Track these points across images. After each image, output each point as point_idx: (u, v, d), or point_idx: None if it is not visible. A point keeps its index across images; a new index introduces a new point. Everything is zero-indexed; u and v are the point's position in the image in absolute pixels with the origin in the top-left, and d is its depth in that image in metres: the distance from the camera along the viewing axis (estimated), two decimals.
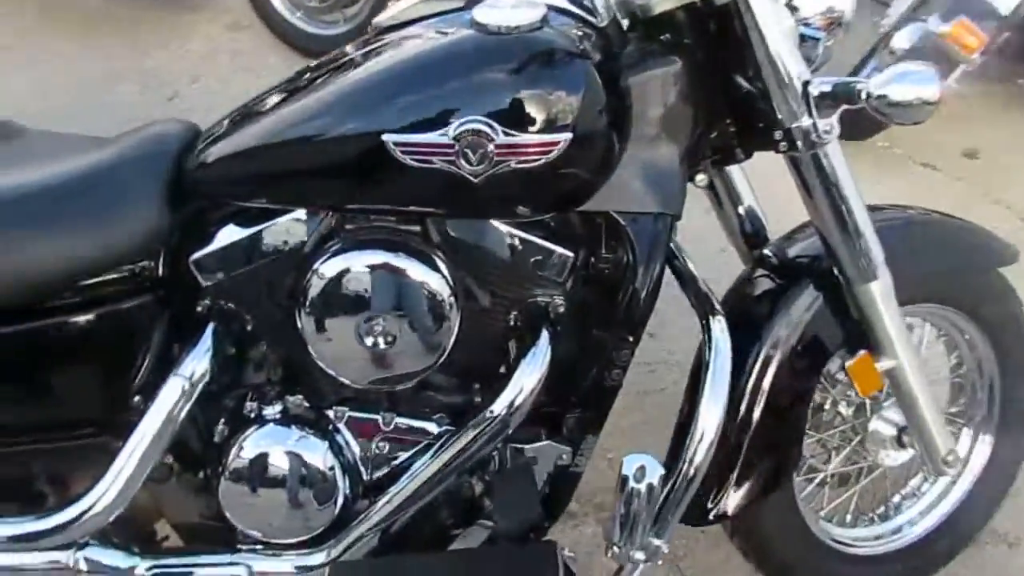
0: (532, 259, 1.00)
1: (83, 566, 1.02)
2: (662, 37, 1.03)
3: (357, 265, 0.96)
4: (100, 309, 1.00)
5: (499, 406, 0.98)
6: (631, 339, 1.04)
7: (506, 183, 0.91)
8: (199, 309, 1.01)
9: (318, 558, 1.05)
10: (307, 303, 0.96)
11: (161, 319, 1.02)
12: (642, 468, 0.97)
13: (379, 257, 0.96)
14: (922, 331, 1.33)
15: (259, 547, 1.07)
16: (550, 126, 0.89)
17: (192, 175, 0.97)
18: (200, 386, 0.98)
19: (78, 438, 1.05)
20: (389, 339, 0.97)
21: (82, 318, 0.99)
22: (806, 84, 0.97)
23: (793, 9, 1.05)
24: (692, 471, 1.01)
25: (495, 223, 0.98)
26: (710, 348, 1.04)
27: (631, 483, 0.97)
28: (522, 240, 0.99)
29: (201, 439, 1.06)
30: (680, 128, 1.01)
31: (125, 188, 0.98)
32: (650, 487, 0.96)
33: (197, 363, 0.98)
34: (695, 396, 1.04)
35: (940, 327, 1.34)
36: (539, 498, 1.08)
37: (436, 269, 0.97)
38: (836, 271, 1.10)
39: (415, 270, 0.96)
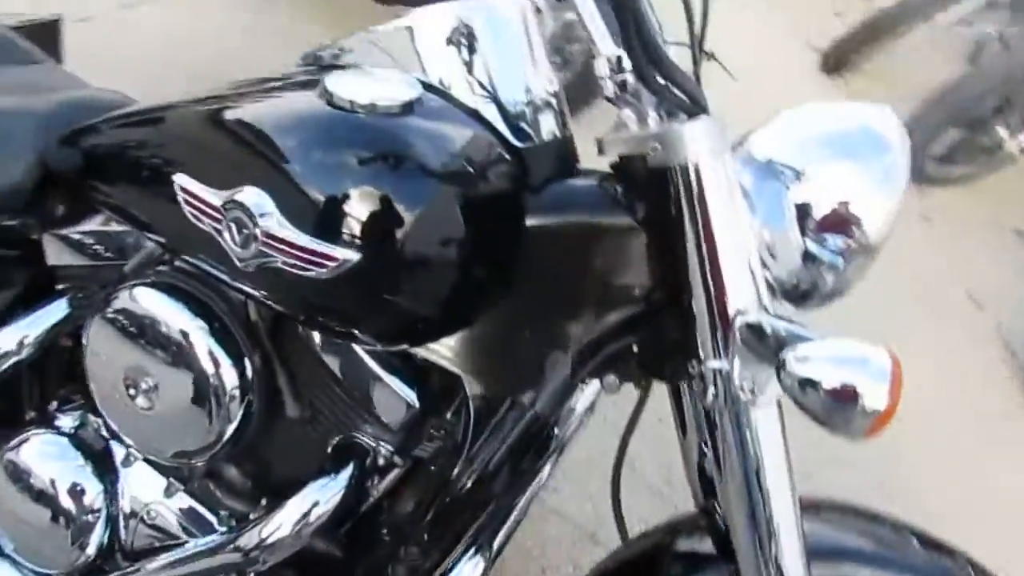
0: (366, 389, 0.83)
1: None
2: (617, 191, 0.75)
3: (147, 305, 0.83)
4: None
5: (263, 531, 0.82)
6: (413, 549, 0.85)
7: (274, 283, 0.74)
8: (48, 282, 0.94)
9: None
10: (92, 326, 0.87)
11: (18, 277, 0.97)
12: None
13: (173, 308, 0.83)
14: None
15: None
16: (336, 236, 0.68)
17: (61, 153, 0.89)
18: (22, 354, 0.91)
19: None
20: (154, 401, 0.84)
21: None
22: (736, 314, 0.68)
23: (804, 214, 0.75)
24: None
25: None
26: None
27: None
28: (361, 361, 0.82)
29: None
30: (575, 309, 0.78)
31: (8, 138, 0.90)
32: None
33: (26, 332, 0.91)
34: None
35: None
36: None
37: (235, 353, 0.83)
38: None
39: (205, 340, 0.82)
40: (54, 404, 0.98)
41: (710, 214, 0.69)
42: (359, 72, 0.74)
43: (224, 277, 0.77)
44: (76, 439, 0.95)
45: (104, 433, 0.95)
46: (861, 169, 0.76)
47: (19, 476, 0.93)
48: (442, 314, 0.75)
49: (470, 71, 0.76)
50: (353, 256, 0.69)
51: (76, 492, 0.92)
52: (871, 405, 0.60)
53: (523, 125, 0.76)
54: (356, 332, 0.76)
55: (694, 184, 0.69)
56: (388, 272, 0.70)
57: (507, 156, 0.75)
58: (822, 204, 0.75)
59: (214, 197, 0.73)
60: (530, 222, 0.74)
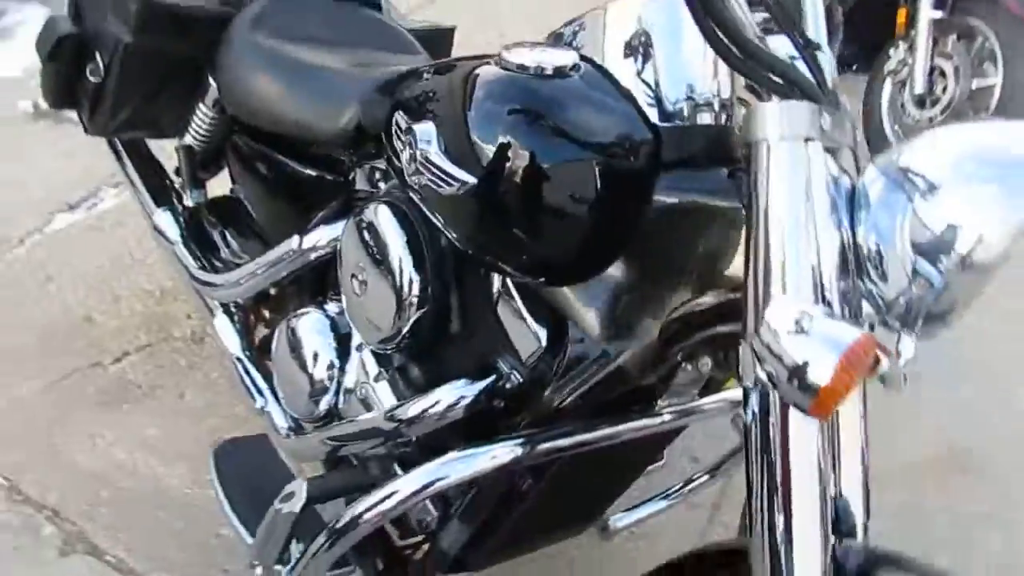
0: (512, 324, 0.95)
1: None
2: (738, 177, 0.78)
3: (375, 220, 1.01)
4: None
5: (411, 411, 1.00)
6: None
7: (428, 199, 0.90)
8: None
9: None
10: (346, 229, 1.08)
11: (335, 196, 1.24)
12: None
13: (390, 226, 0.99)
14: None
15: None
16: (474, 168, 0.80)
17: (371, 104, 1.11)
18: (326, 249, 1.16)
19: None
20: (364, 295, 1.04)
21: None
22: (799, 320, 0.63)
23: (922, 230, 0.68)
24: None
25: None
26: None
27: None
28: (511, 301, 0.95)
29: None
30: (676, 282, 0.87)
31: (340, 92, 1.19)
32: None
33: (331, 235, 1.14)
34: None
35: None
36: None
37: (422, 270, 0.98)
38: None
39: (402, 255, 0.98)
40: (332, 291, 1.20)
41: (771, 199, 0.69)
42: (537, 45, 0.84)
43: (407, 190, 0.95)
44: (333, 321, 1.17)
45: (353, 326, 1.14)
46: (1001, 190, 0.68)
47: (293, 338, 1.18)
48: (561, 261, 0.85)
49: (639, 57, 0.84)
50: (483, 185, 0.81)
51: (322, 361, 1.15)
52: (813, 379, 0.61)
53: (674, 108, 0.82)
54: (488, 257, 0.89)
55: (763, 164, 0.69)
56: (513, 208, 0.82)
57: (647, 133, 0.80)
58: (943, 222, 0.67)
59: (407, 127, 0.90)
60: (658, 197, 0.81)
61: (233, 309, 1.49)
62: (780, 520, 0.71)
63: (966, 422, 1.90)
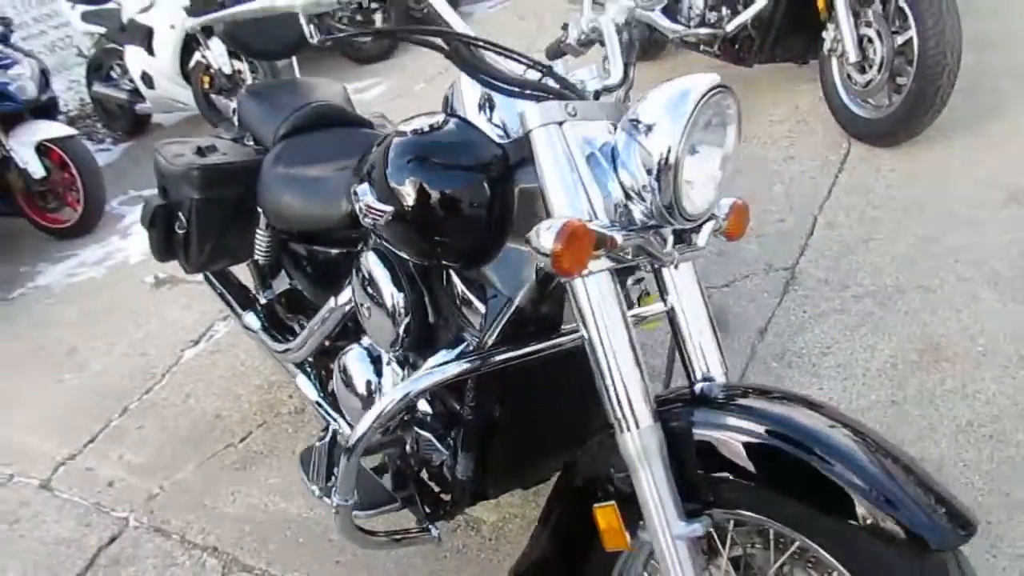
0: (468, 305, 1.36)
1: None
2: None
3: (365, 263, 1.48)
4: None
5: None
6: None
7: (379, 231, 1.30)
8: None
9: None
10: (353, 277, 1.56)
11: (345, 263, 1.67)
12: None
13: (375, 264, 1.44)
14: None
15: None
16: (389, 201, 1.23)
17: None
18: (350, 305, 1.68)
19: None
20: (371, 318, 1.48)
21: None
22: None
23: (648, 158, 1.05)
24: None
25: None
26: None
27: None
28: (464, 293, 1.37)
29: None
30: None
31: (336, 191, 1.63)
32: None
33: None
34: None
35: None
36: None
37: (401, 290, 1.41)
38: None
39: (387, 283, 1.43)
40: (363, 331, 1.61)
41: (541, 163, 1.10)
42: (425, 114, 1.27)
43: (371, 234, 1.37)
44: (367, 350, 1.61)
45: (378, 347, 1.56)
46: (678, 115, 1.03)
47: (344, 371, 1.60)
48: (470, 248, 1.24)
49: (484, 105, 1.28)
50: (400, 210, 1.22)
51: (363, 378, 1.58)
52: (544, 247, 0.98)
53: (506, 129, 1.24)
54: (426, 259, 1.32)
55: (535, 143, 1.10)
56: (425, 221, 1.22)
57: (497, 150, 1.21)
58: (655, 147, 1.03)
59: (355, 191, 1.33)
60: (517, 187, 1.21)
61: (307, 368, 2.01)
62: (615, 370, 1.08)
63: None
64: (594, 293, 1.09)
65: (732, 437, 1.05)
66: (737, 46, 3.47)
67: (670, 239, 1.12)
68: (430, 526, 1.55)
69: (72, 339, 3.26)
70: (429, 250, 1.29)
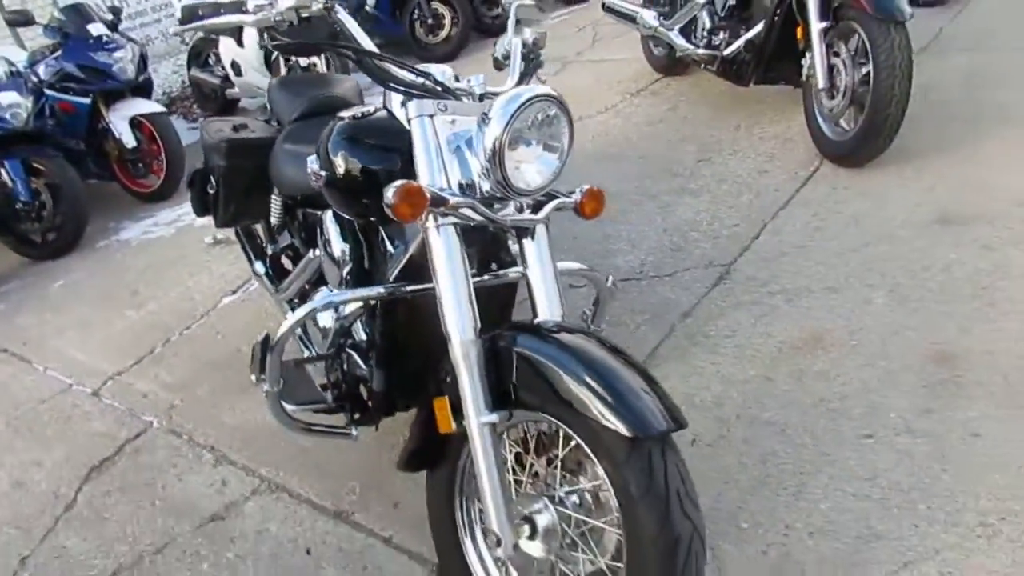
0: (385, 251, 1.86)
1: None
2: None
3: (324, 217, 2.06)
4: None
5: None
6: None
7: (324, 192, 1.72)
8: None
9: None
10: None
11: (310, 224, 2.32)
12: None
13: (328, 219, 2.01)
14: None
15: None
16: (326, 168, 1.66)
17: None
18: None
19: None
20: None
21: None
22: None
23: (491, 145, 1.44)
24: None
25: None
26: None
27: None
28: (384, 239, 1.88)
29: None
30: None
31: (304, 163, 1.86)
32: None
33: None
34: None
35: None
36: None
37: (343, 238, 1.97)
38: None
39: (335, 232, 2.01)
40: None
41: (415, 145, 1.51)
42: (368, 107, 1.72)
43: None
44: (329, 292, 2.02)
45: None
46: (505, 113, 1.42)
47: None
48: (383, 207, 1.42)
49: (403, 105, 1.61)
50: (331, 176, 1.66)
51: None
52: (387, 201, 1.37)
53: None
54: (353, 214, 1.79)
55: (414, 132, 1.51)
56: (350, 184, 1.64)
57: (407, 136, 1.54)
58: (490, 135, 1.42)
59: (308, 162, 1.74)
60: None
61: (294, 306, 2.51)
62: (450, 301, 1.48)
63: None
64: (442, 244, 1.49)
65: (535, 357, 1.44)
66: (735, 67, 3.79)
67: (512, 210, 1.54)
68: (352, 428, 2.00)
69: (137, 284, 3.89)
70: (353, 207, 1.72)
